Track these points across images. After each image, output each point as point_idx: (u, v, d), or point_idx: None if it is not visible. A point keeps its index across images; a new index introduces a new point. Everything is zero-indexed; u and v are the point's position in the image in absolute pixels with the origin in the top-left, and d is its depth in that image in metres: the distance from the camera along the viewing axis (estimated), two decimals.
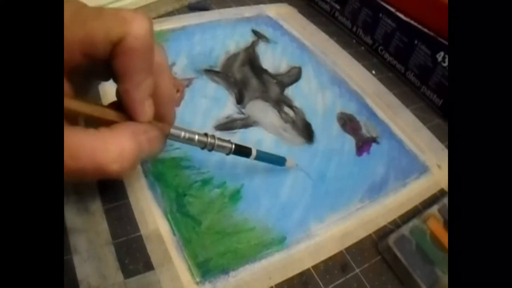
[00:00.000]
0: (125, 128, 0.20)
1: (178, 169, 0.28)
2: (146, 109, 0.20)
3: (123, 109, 0.20)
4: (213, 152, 0.25)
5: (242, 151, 0.26)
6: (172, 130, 0.22)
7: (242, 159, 0.27)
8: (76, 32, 0.18)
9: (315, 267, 0.25)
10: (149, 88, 0.20)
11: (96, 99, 0.31)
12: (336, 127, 0.36)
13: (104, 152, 0.18)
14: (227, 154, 0.25)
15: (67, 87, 0.19)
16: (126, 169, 0.19)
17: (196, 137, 0.23)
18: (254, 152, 0.27)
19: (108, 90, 0.31)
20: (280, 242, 0.26)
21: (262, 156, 0.28)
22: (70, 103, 0.18)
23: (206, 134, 0.24)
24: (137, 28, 0.18)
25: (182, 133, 0.23)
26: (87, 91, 0.23)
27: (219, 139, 0.25)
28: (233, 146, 0.25)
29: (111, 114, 0.20)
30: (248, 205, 0.27)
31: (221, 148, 0.25)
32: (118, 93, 0.20)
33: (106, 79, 0.24)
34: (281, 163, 0.29)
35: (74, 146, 0.17)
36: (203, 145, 0.24)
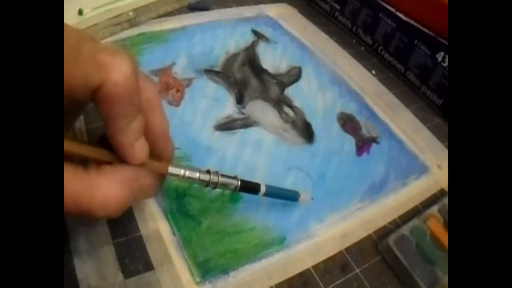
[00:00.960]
0: (114, 173, 0.19)
1: None
2: (136, 151, 0.19)
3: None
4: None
5: (249, 187, 0.24)
6: (171, 169, 0.21)
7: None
8: None
9: (315, 267, 0.25)
10: (137, 130, 0.19)
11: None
12: (336, 127, 0.36)
13: (89, 200, 0.17)
14: (233, 192, 0.24)
15: None
16: (112, 215, 0.18)
17: (197, 174, 0.22)
18: (263, 188, 0.25)
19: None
20: (280, 242, 0.26)
21: (273, 192, 0.26)
22: (65, 145, 0.18)
23: (208, 171, 0.22)
24: (117, 74, 0.17)
25: (182, 171, 0.21)
26: (71, 121, 0.23)
27: (223, 175, 0.23)
28: (239, 182, 0.23)
29: (105, 155, 0.19)
30: (248, 205, 0.27)
31: (225, 186, 0.23)
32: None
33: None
34: (294, 198, 0.27)
35: None
36: (206, 183, 0.22)
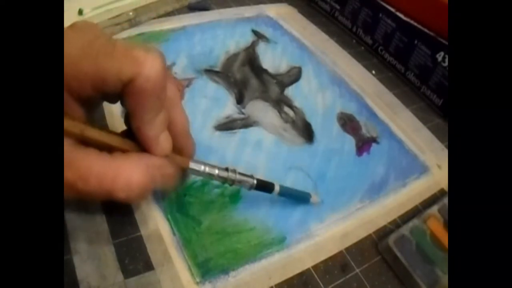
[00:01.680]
0: (139, 159, 0.19)
1: None
2: (161, 143, 0.20)
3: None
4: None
5: (264, 186, 0.25)
6: (192, 164, 0.22)
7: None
8: (87, 66, 0.18)
9: (315, 267, 0.25)
10: (162, 123, 0.20)
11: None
12: (336, 127, 0.36)
13: (113, 179, 0.18)
14: (249, 189, 0.25)
15: (79, 112, 0.19)
16: (133, 199, 0.19)
17: (216, 171, 0.23)
18: (277, 188, 0.26)
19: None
20: (280, 242, 0.26)
21: (286, 192, 0.27)
22: (89, 131, 0.18)
23: (227, 169, 0.23)
24: (149, 69, 0.18)
25: (202, 167, 0.22)
26: (94, 110, 0.23)
27: (241, 173, 0.24)
28: (255, 181, 0.24)
29: (129, 145, 0.20)
30: (248, 205, 0.27)
31: (242, 184, 0.24)
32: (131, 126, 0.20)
33: (113, 102, 0.23)
34: (306, 199, 0.28)
35: (85, 169, 0.17)
36: (224, 180, 0.23)
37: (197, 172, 0.22)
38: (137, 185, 0.19)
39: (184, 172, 0.22)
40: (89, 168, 0.17)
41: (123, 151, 0.20)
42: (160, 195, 0.26)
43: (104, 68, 0.18)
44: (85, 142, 0.19)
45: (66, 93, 0.18)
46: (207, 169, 0.22)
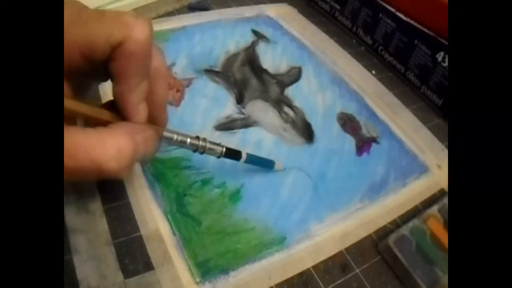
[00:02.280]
0: (121, 127, 0.20)
1: (178, 169, 0.28)
2: (140, 111, 0.20)
3: (118, 109, 0.21)
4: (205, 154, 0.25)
5: (232, 154, 0.26)
6: (165, 133, 0.23)
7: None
8: (76, 33, 0.18)
9: (315, 267, 0.25)
10: (144, 91, 0.20)
11: (96, 99, 0.31)
12: (336, 127, 0.36)
13: (102, 150, 0.18)
14: (218, 157, 0.26)
15: (65, 87, 0.19)
16: (123, 168, 0.19)
17: (188, 140, 0.24)
18: (244, 156, 0.27)
19: (108, 90, 0.31)
20: (280, 242, 0.26)
21: (252, 160, 0.28)
22: (68, 103, 0.19)
23: (197, 137, 0.24)
24: (138, 33, 0.18)
25: (175, 136, 0.23)
26: (85, 91, 0.23)
27: (211, 142, 0.25)
28: (224, 149, 0.25)
29: (107, 115, 0.20)
30: (248, 205, 0.27)
31: (212, 151, 0.25)
32: (114, 93, 0.20)
33: (105, 80, 0.24)
34: (270, 166, 0.30)
35: (72, 145, 0.17)
36: (195, 148, 0.24)
37: (170, 141, 0.23)
38: (126, 151, 0.19)
39: (158, 141, 0.23)
40: (76, 143, 0.17)
41: (103, 122, 0.20)
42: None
43: (94, 32, 0.18)
44: (68, 120, 0.19)
45: None
46: (180, 138, 0.23)
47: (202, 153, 0.25)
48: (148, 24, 0.19)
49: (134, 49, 0.18)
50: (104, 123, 0.20)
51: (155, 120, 0.22)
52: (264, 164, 0.29)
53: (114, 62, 0.19)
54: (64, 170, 0.17)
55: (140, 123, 0.21)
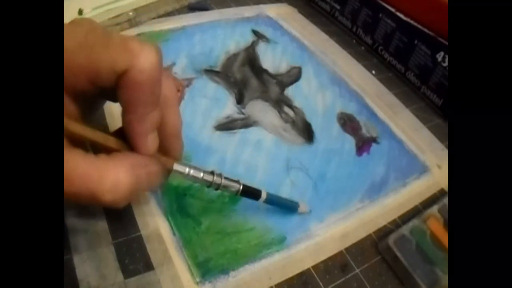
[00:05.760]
0: (124, 159, 0.19)
1: None
2: (148, 142, 0.20)
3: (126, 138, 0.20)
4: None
5: (250, 192, 0.24)
6: (176, 166, 0.21)
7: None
8: (81, 57, 0.17)
9: (315, 267, 0.25)
10: (154, 122, 0.19)
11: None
12: (336, 127, 0.35)
13: (98, 181, 0.17)
14: (235, 195, 0.24)
15: (73, 108, 0.19)
16: (119, 201, 0.18)
17: (201, 174, 0.22)
18: (264, 195, 0.25)
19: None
20: (280, 242, 0.26)
21: (273, 200, 0.26)
22: (74, 127, 0.18)
23: (212, 172, 0.23)
24: (144, 61, 0.17)
25: (187, 169, 0.22)
26: (94, 111, 0.23)
27: (227, 178, 0.23)
28: (241, 187, 0.24)
29: (113, 142, 0.20)
30: (248, 205, 0.27)
31: (227, 189, 0.23)
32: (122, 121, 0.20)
33: (115, 101, 0.23)
34: (294, 208, 0.27)
35: (69, 170, 0.17)
36: (209, 184, 0.23)
37: (182, 175, 0.22)
38: (124, 186, 0.18)
39: (167, 173, 0.22)
40: (73, 168, 0.17)
41: (107, 149, 0.19)
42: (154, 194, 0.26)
43: (98, 59, 0.17)
44: (72, 141, 0.18)
45: None
46: (192, 172, 0.22)
47: (216, 189, 0.23)
48: (155, 52, 0.18)
49: (139, 78, 0.18)
50: (109, 150, 0.19)
51: (167, 151, 0.22)
52: (286, 206, 0.27)
53: (120, 90, 0.18)
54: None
55: (146, 156, 0.20)
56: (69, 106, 0.19)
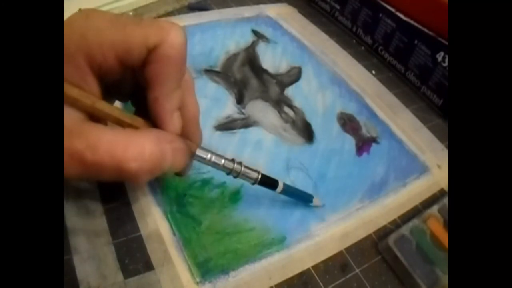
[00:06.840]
0: (150, 131, 0.19)
1: None
2: (174, 119, 0.20)
3: (150, 122, 0.20)
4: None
5: (268, 182, 0.25)
6: (198, 151, 0.22)
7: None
8: (114, 35, 0.18)
9: (315, 267, 0.25)
10: (178, 99, 0.20)
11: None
12: (336, 127, 0.36)
13: (124, 148, 0.17)
14: (253, 184, 0.25)
15: (96, 90, 0.19)
16: (144, 172, 0.18)
17: (223, 161, 0.23)
18: (281, 185, 0.26)
19: None
20: (280, 242, 0.26)
21: (289, 191, 0.27)
22: (103, 105, 0.18)
23: (233, 160, 0.23)
24: (174, 37, 0.19)
25: (209, 155, 0.22)
26: (109, 100, 0.23)
27: (246, 166, 0.24)
28: (260, 176, 0.24)
29: (139, 122, 0.20)
30: (248, 205, 0.27)
31: (246, 176, 0.24)
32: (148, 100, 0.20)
33: (125, 100, 0.24)
34: (308, 200, 0.28)
35: (94, 137, 0.17)
36: (229, 171, 0.23)
37: (203, 160, 0.22)
38: (150, 155, 0.18)
39: (190, 158, 0.22)
40: (99, 136, 0.17)
41: (134, 128, 0.19)
42: (158, 189, 0.26)
43: (132, 35, 0.18)
44: (95, 118, 0.19)
45: (87, 66, 0.18)
46: (214, 158, 0.22)
47: (235, 177, 0.24)
48: (183, 31, 0.19)
49: (170, 52, 0.19)
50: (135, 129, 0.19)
51: (188, 136, 0.22)
52: (301, 198, 0.28)
53: (150, 66, 0.19)
54: (82, 163, 0.17)
55: (172, 133, 0.20)
56: (93, 87, 0.19)
